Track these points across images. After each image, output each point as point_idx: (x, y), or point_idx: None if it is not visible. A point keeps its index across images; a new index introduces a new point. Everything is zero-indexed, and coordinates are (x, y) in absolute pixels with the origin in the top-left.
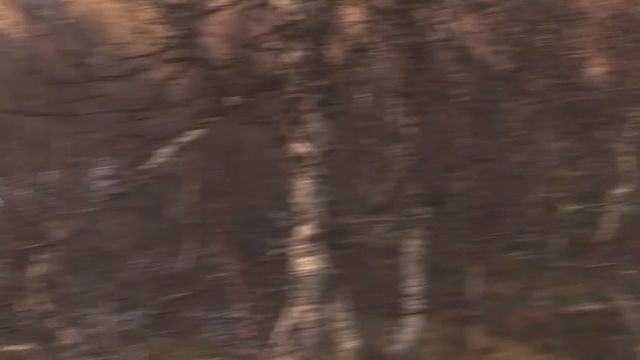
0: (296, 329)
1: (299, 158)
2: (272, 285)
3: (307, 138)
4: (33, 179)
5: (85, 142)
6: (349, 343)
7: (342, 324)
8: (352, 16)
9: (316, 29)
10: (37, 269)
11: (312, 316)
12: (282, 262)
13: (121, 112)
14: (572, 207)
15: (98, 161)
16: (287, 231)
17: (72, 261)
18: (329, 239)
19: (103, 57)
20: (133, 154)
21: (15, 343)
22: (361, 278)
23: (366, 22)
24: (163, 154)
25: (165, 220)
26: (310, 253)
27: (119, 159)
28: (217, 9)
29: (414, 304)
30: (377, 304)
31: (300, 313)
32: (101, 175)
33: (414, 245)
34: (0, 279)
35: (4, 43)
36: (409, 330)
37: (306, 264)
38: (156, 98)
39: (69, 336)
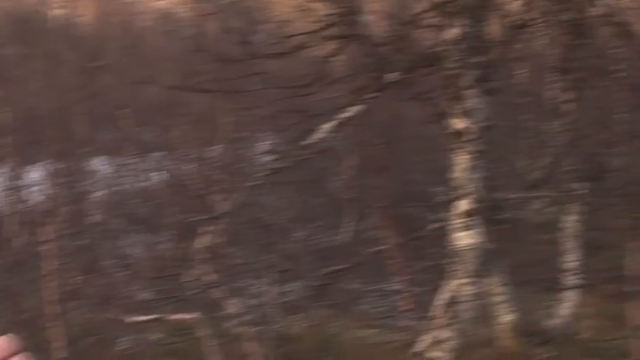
0: (453, 302)
1: (457, 134)
2: (430, 258)
3: (466, 114)
4: (198, 154)
5: (248, 117)
6: (506, 317)
7: (499, 298)
8: None
9: (475, 6)
10: (202, 241)
11: (469, 290)
12: (439, 236)
13: (283, 88)
14: None
15: (261, 136)
16: (445, 205)
17: (235, 233)
18: (486, 214)
19: (266, 35)
20: (295, 129)
21: (181, 312)
22: (518, 253)
23: None
24: (324, 129)
25: (324, 194)
26: (467, 228)
27: (281, 134)
28: None
29: (571, 279)
30: (534, 279)
31: (457, 286)
32: (263, 150)
33: (571, 220)
34: (167, 250)
35: (172, 22)
36: (566, 305)
37: (464, 238)
38: (317, 75)
39: (233, 306)
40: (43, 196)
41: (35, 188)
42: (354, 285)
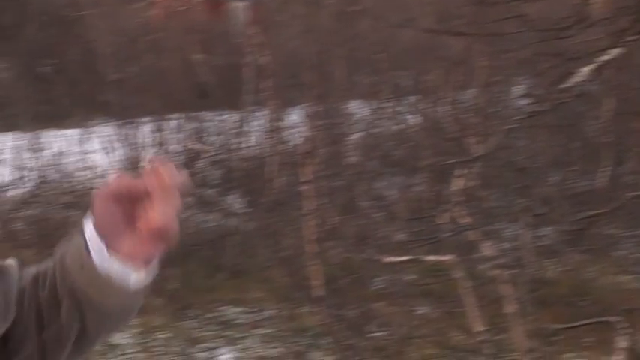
0: None
1: None
2: None
3: None
4: (453, 97)
5: (505, 61)
6: None
7: None
8: None
9: None
10: (457, 184)
11: None
12: None
13: (540, 31)
14: None
15: (517, 80)
16: None
17: (490, 176)
18: None
19: None
20: (552, 72)
21: (436, 254)
22: None
23: None
24: (582, 72)
25: (581, 138)
26: None
27: (538, 78)
28: None
29: None
30: None
31: None
32: (520, 93)
33: None
34: (422, 192)
35: None
36: None
37: None
38: (576, 17)
39: (487, 248)
40: (303, 138)
41: (295, 130)
42: (610, 230)
